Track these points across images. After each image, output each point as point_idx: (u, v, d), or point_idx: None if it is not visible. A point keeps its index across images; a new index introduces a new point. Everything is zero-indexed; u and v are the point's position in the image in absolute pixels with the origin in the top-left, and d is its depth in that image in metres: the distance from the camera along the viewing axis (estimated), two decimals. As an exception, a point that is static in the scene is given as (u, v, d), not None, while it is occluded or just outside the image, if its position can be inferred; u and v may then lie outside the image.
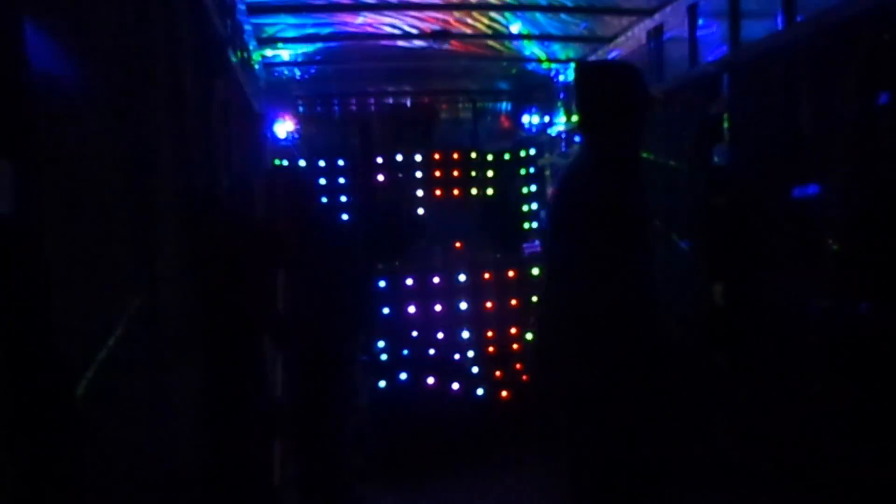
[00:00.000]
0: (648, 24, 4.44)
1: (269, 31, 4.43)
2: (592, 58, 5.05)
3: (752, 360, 3.33)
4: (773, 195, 3.23)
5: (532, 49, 5.23)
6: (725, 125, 3.60)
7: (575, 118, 2.65)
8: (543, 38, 4.87)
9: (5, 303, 0.96)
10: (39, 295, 1.02)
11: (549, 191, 5.39)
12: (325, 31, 4.57)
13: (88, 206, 1.27)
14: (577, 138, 5.09)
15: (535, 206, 5.55)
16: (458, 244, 5.17)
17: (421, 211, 5.34)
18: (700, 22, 4.01)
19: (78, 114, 1.27)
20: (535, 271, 4.71)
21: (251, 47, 4.31)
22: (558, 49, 5.20)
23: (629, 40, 4.70)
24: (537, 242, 5.27)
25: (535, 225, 5.52)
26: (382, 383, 4.60)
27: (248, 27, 4.05)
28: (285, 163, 5.00)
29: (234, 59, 3.52)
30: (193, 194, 2.28)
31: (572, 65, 5.37)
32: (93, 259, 1.28)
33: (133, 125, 1.63)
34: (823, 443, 2.75)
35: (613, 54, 4.86)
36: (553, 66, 5.53)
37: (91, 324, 1.27)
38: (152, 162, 1.81)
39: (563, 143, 5.73)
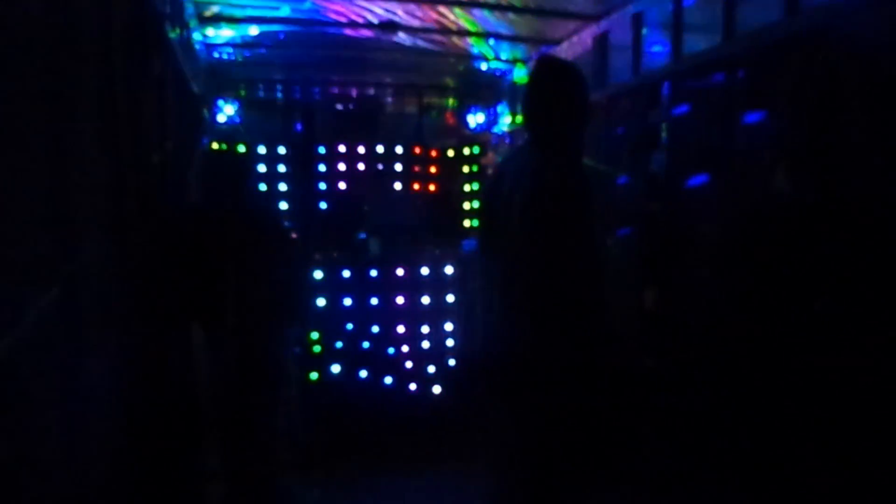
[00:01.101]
0: (595, 29, 4.51)
1: (212, 9, 4.30)
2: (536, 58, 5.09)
3: (681, 364, 3.42)
4: (706, 203, 3.32)
5: (480, 47, 5.24)
6: (663, 134, 3.69)
7: (520, 116, 2.64)
8: (490, 35, 4.89)
9: None
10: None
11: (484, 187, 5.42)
12: (270, 13, 4.47)
13: (9, 167, 1.19)
14: (516, 139, 5.14)
15: (476, 203, 5.57)
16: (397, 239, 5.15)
17: (361, 203, 5.29)
18: (644, 31, 4.09)
19: (5, 74, 1.19)
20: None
21: (192, 25, 4.18)
22: (506, 49, 5.22)
23: (575, 45, 4.76)
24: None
25: (475, 223, 5.54)
26: (314, 375, 4.53)
27: (189, 4, 3.92)
28: (223, 147, 4.87)
29: (172, 35, 3.40)
30: (121, 176, 2.19)
31: (518, 65, 5.40)
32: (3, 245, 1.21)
33: (54, 99, 1.54)
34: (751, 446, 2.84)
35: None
36: (500, 65, 5.55)
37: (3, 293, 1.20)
38: (75, 140, 1.73)
39: (508, 144, 5.77)
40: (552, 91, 2.50)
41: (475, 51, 5.32)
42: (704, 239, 3.28)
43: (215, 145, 4.90)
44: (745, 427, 2.88)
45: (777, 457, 2.68)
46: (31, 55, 1.45)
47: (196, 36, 4.41)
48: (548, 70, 2.61)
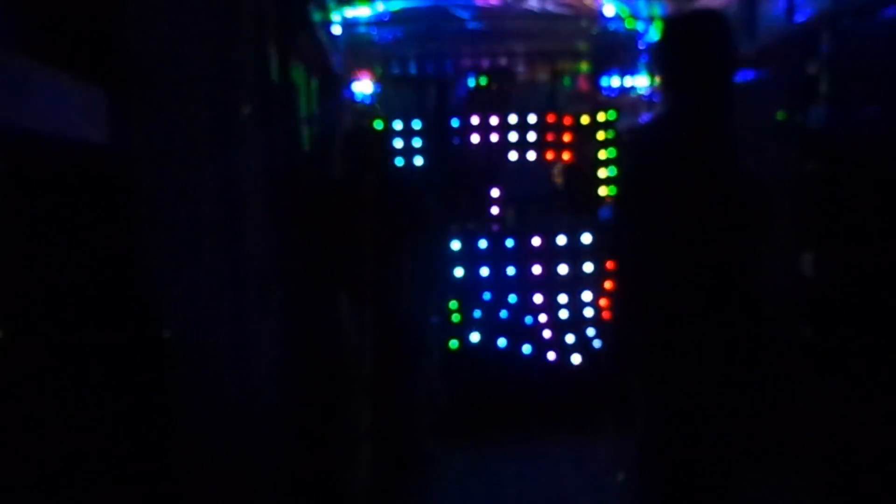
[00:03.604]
0: (741, -23, 4.21)
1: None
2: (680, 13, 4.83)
3: (843, 335, 3.17)
4: (872, 160, 3.03)
5: (614, 6, 5.04)
6: (823, 85, 3.40)
7: (657, 78, 2.48)
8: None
9: (97, 238, 0.98)
10: (130, 231, 1.05)
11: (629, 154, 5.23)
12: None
13: (179, 144, 1.30)
14: (657, 100, 4.92)
15: (612, 171, 5.42)
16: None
17: (495, 173, 5.29)
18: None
19: (169, 57, 1.29)
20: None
21: (331, 6, 4.33)
22: (642, 6, 4.99)
23: (719, -4, 4.46)
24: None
25: (612, 191, 5.39)
26: (454, 344, 4.63)
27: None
28: (362, 124, 5.03)
29: (315, 17, 3.54)
30: (276, 145, 2.31)
31: (656, 23, 5.15)
32: (181, 196, 1.31)
33: (219, 73, 1.65)
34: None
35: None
36: (636, 24, 5.32)
37: (178, 262, 1.31)
38: (236, 106, 1.84)
39: (646, 108, 5.54)
40: (705, 49, 2.33)
41: (608, 11, 5.13)
42: (869, 199, 3.01)
43: (354, 122, 5.07)
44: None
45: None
46: (202, 27, 1.56)
47: (334, 16, 4.56)
48: (695, 24, 2.45)
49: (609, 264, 4.43)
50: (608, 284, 4.59)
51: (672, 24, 2.47)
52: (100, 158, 0.94)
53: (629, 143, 3.10)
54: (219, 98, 1.59)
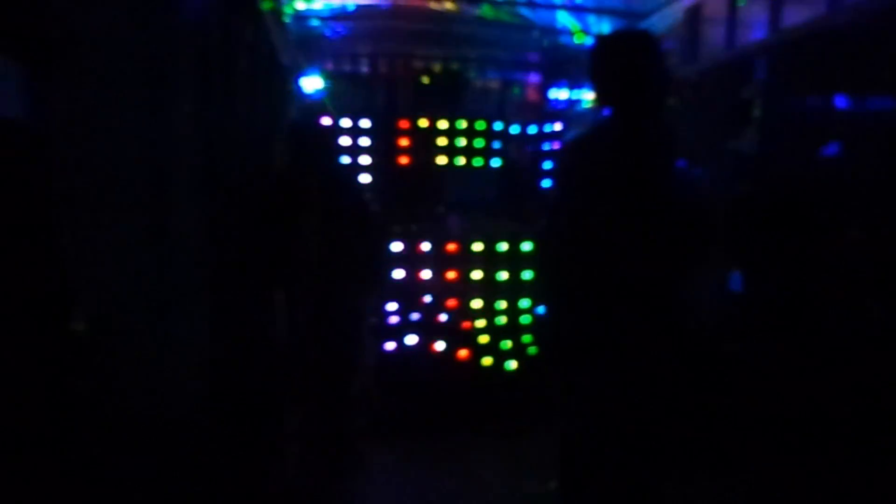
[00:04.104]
0: (686, 1, 4.34)
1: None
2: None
3: (768, 349, 3.29)
4: (801, 183, 3.16)
5: (566, 21, 5.13)
6: (756, 110, 3.53)
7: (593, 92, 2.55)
8: (576, 9, 4.78)
9: (12, 215, 0.95)
10: (42, 213, 1.01)
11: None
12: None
13: (101, 124, 1.26)
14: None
15: (549, 181, 5.49)
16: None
17: (442, 178, 5.30)
18: (742, 3, 3.91)
19: (99, 35, 1.25)
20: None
21: (283, -1, 4.27)
22: (592, 22, 5.10)
23: (666, 17, 4.59)
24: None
25: (558, 200, 5.44)
26: (390, 346, 4.61)
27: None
28: (310, 119, 4.97)
29: (265, 7, 3.48)
30: (213, 144, 2.27)
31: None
32: (103, 178, 1.27)
33: (152, 54, 1.61)
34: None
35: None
36: (585, 38, 5.43)
37: (95, 247, 1.27)
38: (172, 107, 1.79)
39: (591, 120, 5.65)
40: (634, 64, 2.41)
41: (561, 25, 5.21)
42: (798, 219, 3.13)
43: (301, 117, 5.01)
44: (838, 417, 2.75)
45: (874, 450, 2.55)
46: (131, 20, 1.52)
47: (287, 8, 4.50)
48: (625, 41, 2.53)
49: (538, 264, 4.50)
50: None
51: (603, 42, 2.56)
52: (9, 133, 0.90)
53: (564, 153, 3.17)
54: (150, 82, 1.55)
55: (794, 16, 3.46)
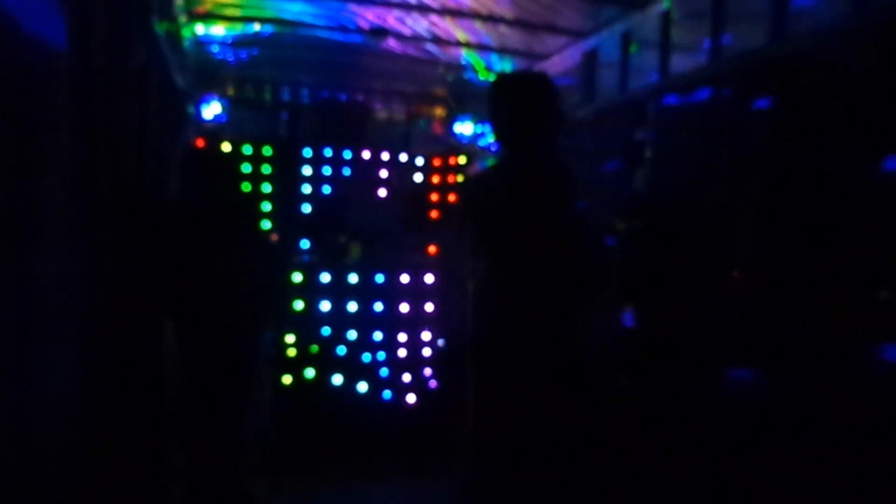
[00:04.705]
0: (584, 45, 4.52)
1: (203, 6, 4.28)
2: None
3: (656, 382, 3.40)
4: (687, 220, 3.32)
5: (471, 58, 5.24)
6: (648, 150, 3.69)
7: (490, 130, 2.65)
8: (480, 47, 4.90)
9: None
10: None
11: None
12: (262, 13, 4.45)
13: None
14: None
15: (459, 212, 5.55)
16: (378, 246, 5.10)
17: (344, 208, 5.25)
18: (633, 49, 4.11)
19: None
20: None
21: (181, 21, 4.15)
22: (495, 60, 5.23)
23: (565, 59, 4.77)
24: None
25: (464, 231, 5.49)
26: (288, 379, 4.48)
27: (179, -1, 3.90)
28: (206, 144, 4.83)
29: (158, 29, 3.37)
30: (95, 169, 2.15)
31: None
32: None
33: (24, 80, 1.51)
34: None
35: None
36: (489, 76, 5.56)
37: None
38: (45, 131, 1.69)
39: (493, 154, 5.76)
40: (527, 104, 2.50)
41: (465, 62, 5.32)
42: (684, 256, 3.28)
43: (198, 142, 4.85)
44: (722, 453, 2.86)
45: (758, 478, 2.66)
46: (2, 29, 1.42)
47: (185, 32, 4.38)
48: (519, 83, 2.63)
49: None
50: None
51: (498, 83, 2.66)
52: None
53: (466, 188, 3.24)
54: (26, 99, 1.45)
55: (681, 63, 3.67)
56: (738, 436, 2.75)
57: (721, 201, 3.07)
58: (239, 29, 4.77)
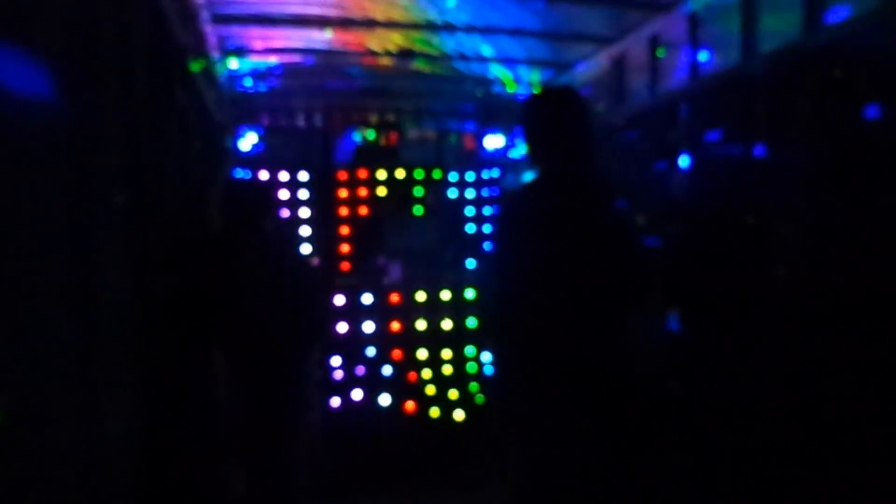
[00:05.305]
0: (612, 51, 4.51)
1: (235, 41, 4.39)
2: (557, 81, 5.11)
3: (707, 390, 3.35)
4: (727, 224, 3.28)
5: (498, 72, 5.27)
6: (682, 152, 3.66)
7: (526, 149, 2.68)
8: (507, 60, 4.92)
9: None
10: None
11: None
12: (290, 45, 4.55)
13: (24, 207, 1.22)
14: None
15: (492, 229, 5.56)
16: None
17: (381, 228, 5.30)
18: (662, 52, 4.09)
19: (13, 110, 1.23)
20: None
21: (214, 57, 4.27)
22: (523, 72, 5.25)
23: (592, 66, 4.77)
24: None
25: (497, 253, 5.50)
26: (336, 401, 4.53)
27: (212, 37, 4.01)
28: (246, 175, 4.93)
29: (194, 68, 3.47)
30: (144, 207, 2.23)
31: (536, 88, 5.42)
32: (24, 261, 1.23)
33: (77, 131, 1.58)
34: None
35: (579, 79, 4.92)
36: (517, 88, 5.58)
37: (13, 324, 1.22)
38: (98, 172, 1.76)
39: (526, 167, 5.77)
40: (557, 121, 2.53)
41: (493, 76, 5.35)
42: (728, 261, 3.24)
43: (237, 173, 4.96)
44: (774, 461, 2.81)
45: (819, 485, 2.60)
46: (55, 87, 1.49)
47: (219, 68, 4.49)
48: (547, 100, 2.65)
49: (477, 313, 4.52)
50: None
51: (528, 102, 2.69)
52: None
53: (503, 205, 3.25)
54: (80, 150, 1.51)
55: (711, 63, 3.64)
56: (781, 441, 2.70)
57: (765, 200, 3.03)
58: (269, 61, 4.87)
